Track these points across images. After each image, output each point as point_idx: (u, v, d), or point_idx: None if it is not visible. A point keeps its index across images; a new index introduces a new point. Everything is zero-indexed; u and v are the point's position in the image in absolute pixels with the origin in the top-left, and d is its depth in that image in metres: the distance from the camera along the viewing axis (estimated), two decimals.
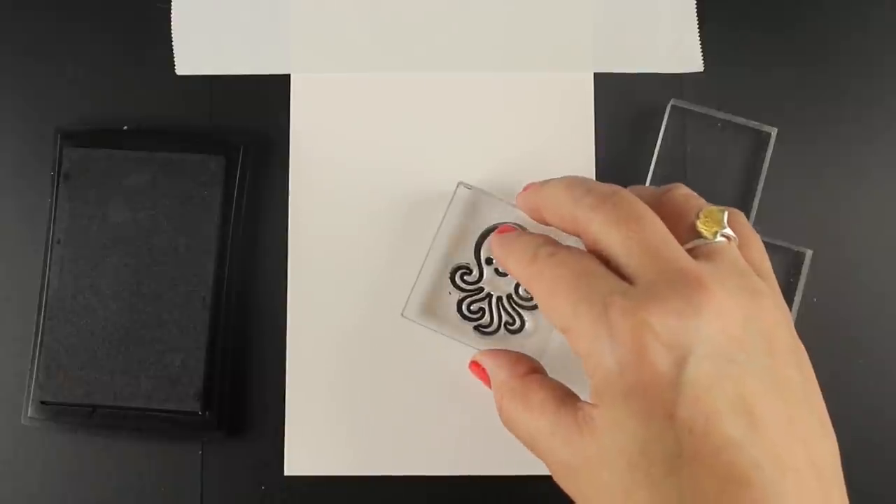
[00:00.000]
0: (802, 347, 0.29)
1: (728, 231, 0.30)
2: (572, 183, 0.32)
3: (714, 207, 0.30)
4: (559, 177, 0.33)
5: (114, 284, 0.41)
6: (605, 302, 0.27)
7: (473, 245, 0.41)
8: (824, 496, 0.26)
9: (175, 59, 0.44)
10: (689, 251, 0.29)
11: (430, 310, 0.41)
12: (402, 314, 0.40)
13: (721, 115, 0.42)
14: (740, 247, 0.30)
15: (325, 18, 0.44)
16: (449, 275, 0.41)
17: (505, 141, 0.43)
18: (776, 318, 0.28)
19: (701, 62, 0.43)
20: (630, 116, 0.43)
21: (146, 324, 0.41)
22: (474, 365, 0.36)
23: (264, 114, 0.43)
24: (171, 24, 0.44)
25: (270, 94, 0.43)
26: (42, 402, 0.41)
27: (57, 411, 0.41)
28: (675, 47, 0.43)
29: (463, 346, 0.40)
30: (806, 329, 0.42)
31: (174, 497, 0.41)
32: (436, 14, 0.44)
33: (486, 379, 0.35)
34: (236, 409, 0.42)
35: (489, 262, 0.41)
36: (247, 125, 0.43)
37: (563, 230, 0.32)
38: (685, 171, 0.43)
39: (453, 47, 0.43)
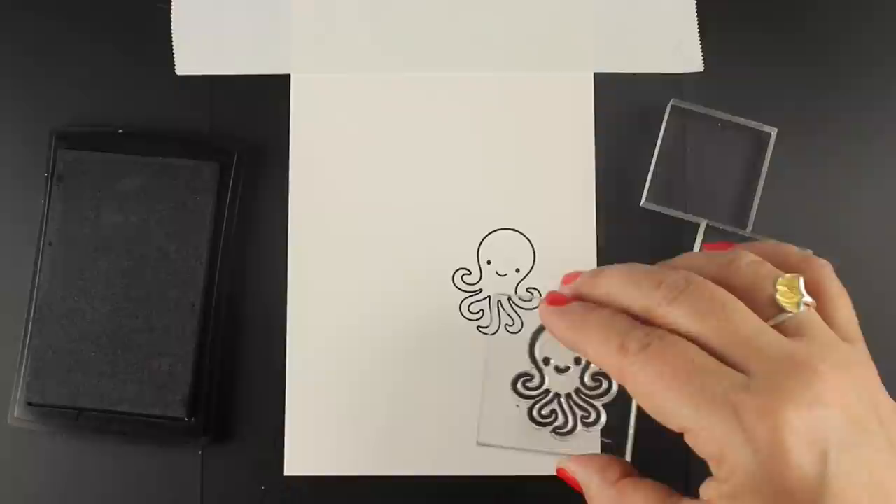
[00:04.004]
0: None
1: (808, 298, 0.28)
2: (634, 275, 0.29)
3: (789, 275, 0.28)
4: (607, 270, 0.30)
5: (103, 288, 0.40)
6: (730, 401, 0.25)
7: (528, 350, 0.38)
8: None
9: (175, 59, 0.43)
10: (777, 329, 0.27)
11: (504, 428, 0.39)
12: (477, 442, 0.37)
13: (721, 115, 0.42)
14: (827, 307, 0.29)
15: (326, 18, 0.44)
16: (511, 386, 0.37)
17: (505, 141, 0.43)
18: (875, 384, 0.27)
19: (701, 62, 0.43)
20: (630, 116, 0.43)
21: (134, 328, 0.40)
22: (561, 471, 0.33)
23: (264, 115, 0.43)
24: (171, 24, 0.44)
25: (270, 94, 0.43)
26: (28, 404, 0.40)
27: (43, 413, 0.40)
28: (676, 47, 0.43)
29: (463, 347, 0.40)
30: None
31: (174, 497, 0.41)
32: (436, 14, 0.44)
33: (575, 484, 0.32)
34: (236, 409, 0.41)
35: (546, 362, 0.38)
36: (247, 127, 0.43)
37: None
38: (685, 171, 0.43)
39: (453, 47, 0.44)
